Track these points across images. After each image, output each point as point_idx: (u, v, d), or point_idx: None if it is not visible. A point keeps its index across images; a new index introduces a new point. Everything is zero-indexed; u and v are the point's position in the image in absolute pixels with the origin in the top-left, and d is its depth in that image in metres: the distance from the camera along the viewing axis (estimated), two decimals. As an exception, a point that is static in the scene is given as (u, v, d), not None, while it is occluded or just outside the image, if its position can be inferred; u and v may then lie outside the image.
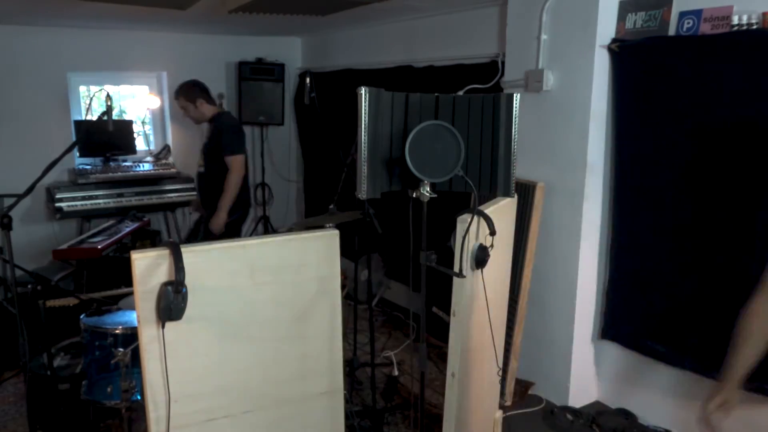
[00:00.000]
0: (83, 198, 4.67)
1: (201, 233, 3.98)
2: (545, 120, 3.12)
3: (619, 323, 3.07)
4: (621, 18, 2.86)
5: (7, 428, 3.04)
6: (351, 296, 3.56)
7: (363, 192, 1.96)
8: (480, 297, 2.11)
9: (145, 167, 5.16)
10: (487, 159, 2.08)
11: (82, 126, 4.93)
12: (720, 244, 2.56)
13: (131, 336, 2.44)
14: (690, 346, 2.73)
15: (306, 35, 5.81)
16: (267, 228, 5.83)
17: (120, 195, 4.83)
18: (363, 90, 1.90)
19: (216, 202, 3.81)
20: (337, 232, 1.93)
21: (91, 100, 4.95)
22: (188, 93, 3.93)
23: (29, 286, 3.36)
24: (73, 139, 4.22)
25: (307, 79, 5.64)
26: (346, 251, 2.14)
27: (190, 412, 1.74)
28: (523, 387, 3.33)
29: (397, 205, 2.97)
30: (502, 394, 3.09)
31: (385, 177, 2.03)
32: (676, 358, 2.80)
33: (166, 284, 1.59)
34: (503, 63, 3.43)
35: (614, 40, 2.84)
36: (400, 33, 4.49)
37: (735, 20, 2.40)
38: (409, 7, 3.90)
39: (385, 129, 2.00)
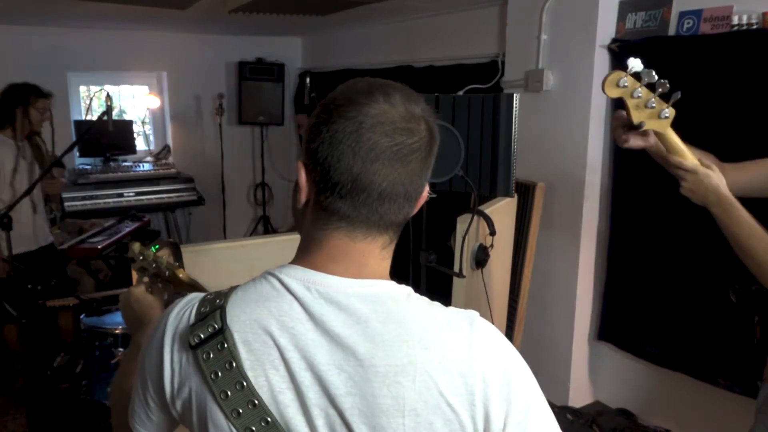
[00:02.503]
0: (83, 198, 4.67)
1: None
2: (545, 120, 3.12)
3: (614, 324, 3.07)
4: (621, 18, 2.86)
5: (7, 428, 3.03)
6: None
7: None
8: (480, 297, 2.11)
9: (145, 167, 5.16)
10: (487, 159, 2.09)
11: (82, 126, 4.93)
12: (716, 247, 2.55)
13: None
14: (682, 349, 2.73)
15: (306, 35, 5.81)
16: (267, 228, 5.83)
17: (120, 195, 4.83)
18: (363, 90, 1.90)
19: None
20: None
21: (91, 100, 4.96)
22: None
23: (29, 286, 3.36)
24: (73, 139, 4.21)
25: (307, 79, 5.67)
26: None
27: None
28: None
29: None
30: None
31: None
32: (669, 360, 2.80)
33: (165, 284, 1.59)
34: (503, 63, 3.42)
35: (614, 40, 2.84)
36: (400, 33, 4.48)
37: (735, 20, 2.40)
38: (409, 7, 3.89)
39: (385, 129, 2.00)
